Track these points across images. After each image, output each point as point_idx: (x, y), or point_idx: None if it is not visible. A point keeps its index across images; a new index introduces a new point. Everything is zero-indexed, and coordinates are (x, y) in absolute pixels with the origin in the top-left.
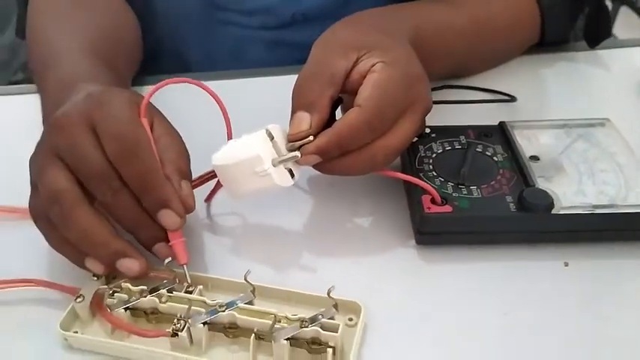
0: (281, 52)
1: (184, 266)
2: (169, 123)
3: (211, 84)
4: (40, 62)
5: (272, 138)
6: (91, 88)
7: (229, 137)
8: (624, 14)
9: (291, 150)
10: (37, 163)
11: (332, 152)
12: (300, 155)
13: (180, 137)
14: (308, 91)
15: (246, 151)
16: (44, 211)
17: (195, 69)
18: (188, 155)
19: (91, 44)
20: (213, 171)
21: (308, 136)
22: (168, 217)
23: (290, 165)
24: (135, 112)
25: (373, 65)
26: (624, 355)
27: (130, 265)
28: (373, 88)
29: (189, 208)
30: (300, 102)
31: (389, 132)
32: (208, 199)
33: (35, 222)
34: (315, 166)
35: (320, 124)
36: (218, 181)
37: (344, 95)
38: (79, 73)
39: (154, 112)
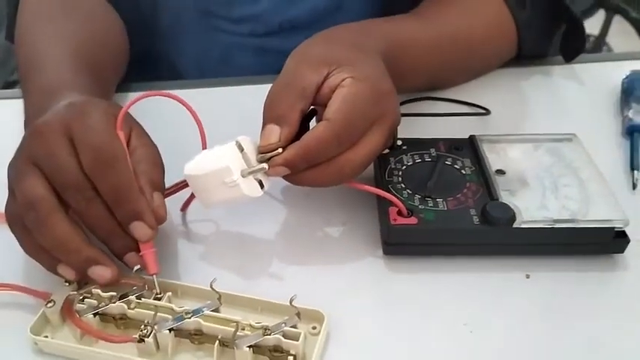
0: (269, 58)
1: (154, 276)
2: (146, 134)
3: (199, 92)
4: (25, 66)
5: (242, 150)
6: (73, 97)
7: (204, 147)
8: (618, 23)
9: (261, 161)
10: (15, 169)
11: (300, 165)
12: (267, 167)
13: (156, 148)
14: (279, 104)
15: (216, 162)
16: (20, 217)
17: (185, 74)
18: (162, 167)
19: (77, 50)
20: None
21: (277, 149)
22: (139, 229)
23: (259, 176)
24: (112, 124)
25: (343, 80)
26: None
27: (101, 272)
28: (341, 103)
29: (160, 220)
30: (270, 115)
31: (356, 145)
32: (183, 208)
33: (10, 227)
34: (285, 178)
35: (289, 137)
36: None
37: (318, 107)
38: (62, 80)
39: (132, 124)
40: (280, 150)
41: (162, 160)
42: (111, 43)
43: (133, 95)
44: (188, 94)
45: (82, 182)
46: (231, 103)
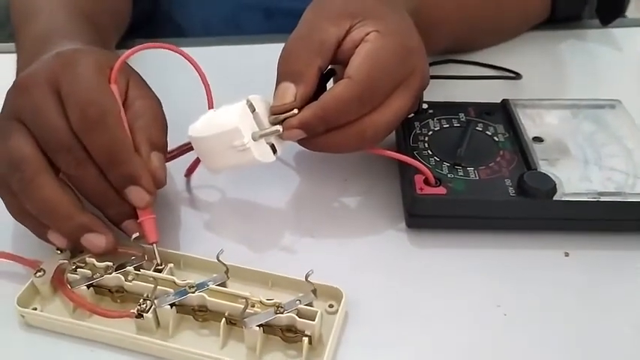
0: (279, 20)
1: (154, 245)
2: (146, 85)
3: (206, 50)
4: (19, 17)
5: (253, 110)
6: (65, 45)
7: (210, 107)
8: None
9: (273, 123)
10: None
11: (317, 127)
12: (282, 129)
13: (157, 101)
14: (295, 60)
15: (225, 123)
16: (5, 179)
17: (191, 35)
18: (164, 123)
19: (73, 1)
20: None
21: (292, 109)
22: (136, 194)
23: (272, 140)
24: (104, 76)
25: (367, 34)
26: (624, 349)
27: (95, 240)
28: (365, 59)
29: (158, 183)
30: (285, 71)
31: (380, 107)
32: (188, 173)
33: None
34: (300, 142)
35: (306, 97)
36: None
37: (336, 67)
38: (56, 29)
39: (129, 74)
40: (296, 111)
41: (164, 115)
42: None
43: None
44: (194, 53)
45: (71, 142)
46: (239, 63)
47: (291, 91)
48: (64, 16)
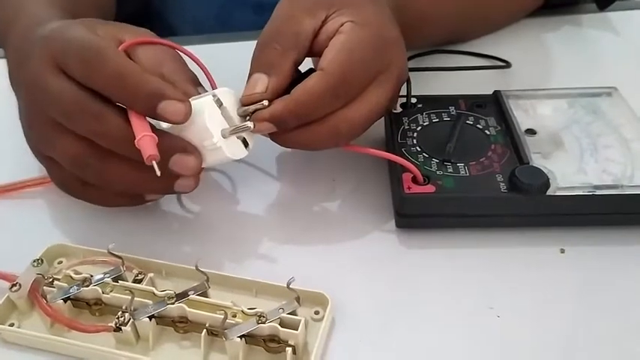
0: (268, 15)
1: (154, 162)
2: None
3: (196, 48)
4: (4, 22)
5: (220, 104)
6: (44, 28)
7: None
8: None
9: (243, 115)
10: (38, 137)
11: (289, 121)
12: (252, 126)
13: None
14: (268, 52)
15: (192, 122)
16: (76, 180)
17: (181, 33)
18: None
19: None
20: None
21: (262, 100)
22: (169, 108)
23: (243, 134)
24: (91, 30)
25: (342, 25)
26: (624, 350)
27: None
28: (339, 51)
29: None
30: (258, 62)
31: (355, 101)
32: None
33: (70, 193)
34: (272, 137)
35: (278, 89)
36: None
37: (314, 60)
38: (38, 23)
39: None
40: (266, 102)
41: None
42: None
43: None
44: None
45: (81, 98)
46: (226, 61)
47: (262, 82)
48: (46, 10)
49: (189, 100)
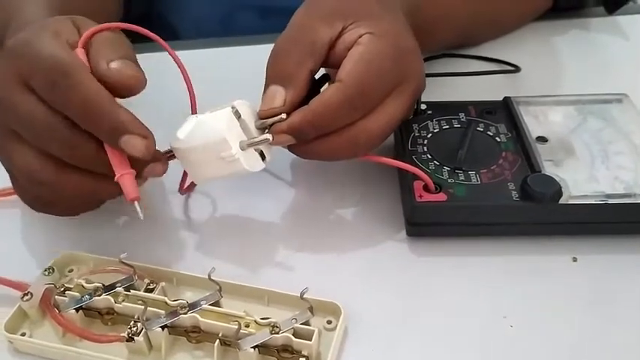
0: (274, 19)
1: (136, 203)
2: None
3: (199, 52)
4: (1, 27)
5: (239, 116)
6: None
7: (193, 111)
8: None
9: (261, 128)
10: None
11: (307, 133)
12: (271, 138)
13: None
14: (284, 62)
15: (211, 133)
16: (33, 195)
17: (185, 36)
18: (126, 43)
19: (58, 2)
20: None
21: (280, 114)
22: (131, 143)
23: (260, 147)
24: (60, 41)
25: (360, 36)
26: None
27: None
28: (357, 62)
29: (133, 89)
30: (274, 74)
31: (373, 112)
32: (184, 189)
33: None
34: (290, 149)
35: (295, 101)
36: None
37: (330, 71)
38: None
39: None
40: (284, 116)
41: (120, 34)
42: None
43: None
44: (187, 55)
45: (51, 121)
46: (231, 65)
47: (279, 95)
48: (45, 15)
49: (209, 113)
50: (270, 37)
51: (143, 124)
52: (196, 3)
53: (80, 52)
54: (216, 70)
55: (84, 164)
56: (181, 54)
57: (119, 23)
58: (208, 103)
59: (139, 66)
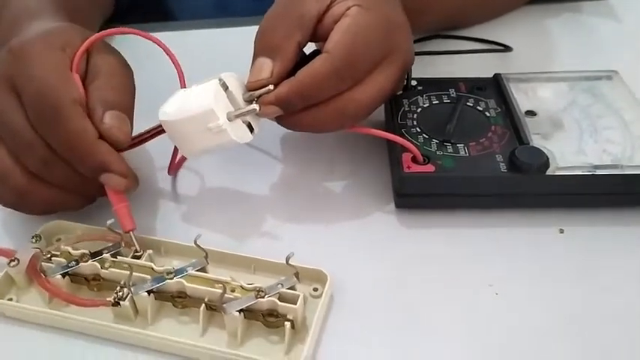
0: (268, 2)
1: (131, 233)
2: (109, 47)
3: (195, 33)
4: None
5: (226, 88)
6: (29, 29)
7: (182, 86)
8: None
9: (248, 100)
10: None
11: (294, 103)
12: (258, 108)
13: (118, 60)
14: (272, 35)
15: (198, 104)
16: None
17: (180, 19)
18: (124, 80)
19: None
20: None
21: (268, 85)
22: (110, 181)
23: (249, 118)
24: (61, 63)
25: (348, 9)
26: (624, 330)
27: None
28: (344, 33)
29: (117, 144)
30: (262, 46)
31: (361, 83)
32: (172, 171)
33: None
34: (278, 120)
35: (283, 72)
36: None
37: (319, 44)
38: (26, 9)
39: (94, 48)
40: (271, 87)
41: (125, 72)
42: None
43: None
44: (183, 36)
45: (33, 140)
46: (225, 47)
47: (267, 67)
48: (39, 3)
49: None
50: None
51: (125, 162)
52: None
53: (76, 77)
54: (210, 51)
55: (57, 182)
56: (175, 34)
57: (110, 30)
58: (196, 80)
59: (131, 118)
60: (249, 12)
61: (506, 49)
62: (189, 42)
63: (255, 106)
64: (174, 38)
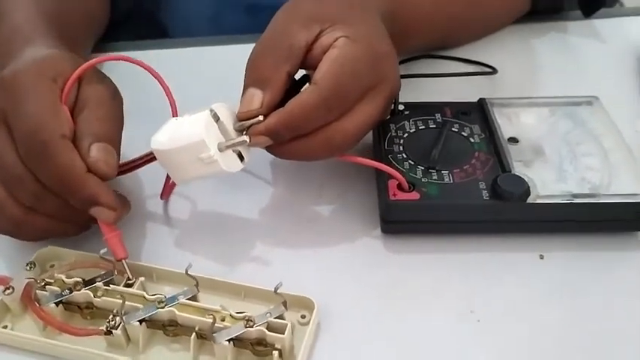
0: (262, 17)
1: (123, 262)
2: (100, 75)
3: (188, 51)
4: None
5: (217, 119)
6: (22, 55)
7: (174, 114)
8: None
9: (239, 130)
10: None
11: (283, 134)
12: (249, 140)
13: (108, 89)
14: (262, 65)
15: (189, 135)
16: None
17: (173, 35)
18: (111, 110)
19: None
20: None
21: (258, 116)
22: (100, 215)
23: (239, 148)
24: (51, 96)
25: (336, 40)
26: (601, 352)
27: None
28: (332, 65)
29: (103, 176)
30: (252, 77)
31: (348, 114)
32: (164, 196)
33: None
34: (268, 149)
35: (273, 103)
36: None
37: (311, 71)
38: (20, 30)
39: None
40: (261, 117)
41: (113, 102)
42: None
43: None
44: (172, 54)
45: (23, 175)
46: (218, 64)
47: (257, 98)
48: (29, 17)
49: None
50: (257, 36)
51: (114, 195)
52: (184, 1)
53: (65, 108)
54: (205, 69)
55: (50, 213)
56: (171, 52)
57: (101, 58)
58: (196, 100)
59: (118, 149)
60: (242, 26)
61: (492, 71)
62: (183, 59)
63: (245, 137)
64: (169, 56)
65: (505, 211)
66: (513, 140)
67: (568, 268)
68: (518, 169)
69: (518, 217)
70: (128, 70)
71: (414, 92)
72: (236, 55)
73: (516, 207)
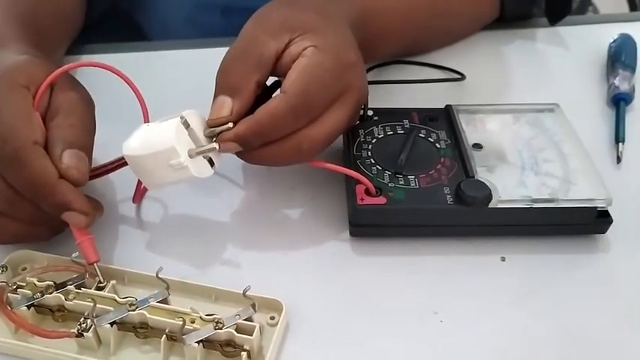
0: (236, 18)
1: (95, 265)
2: (73, 81)
3: (165, 54)
4: None
5: (188, 126)
6: None
7: (145, 120)
8: None
9: (209, 136)
10: None
11: (252, 141)
12: (218, 147)
13: (80, 96)
14: (232, 73)
15: (160, 142)
16: None
17: (149, 36)
18: (84, 117)
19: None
20: None
21: (227, 123)
22: (72, 219)
23: (209, 153)
24: (23, 103)
25: (304, 49)
26: (559, 352)
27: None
28: (300, 74)
29: (75, 182)
30: (222, 84)
31: (316, 121)
32: (136, 200)
33: None
34: (238, 155)
35: (242, 110)
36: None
37: (282, 79)
38: None
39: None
40: (231, 125)
41: (85, 108)
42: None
43: (85, 58)
44: (148, 57)
45: None
46: (193, 67)
47: (227, 105)
48: (2, 20)
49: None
50: (233, 39)
51: (86, 200)
52: (160, 2)
53: (37, 115)
54: (182, 71)
55: (24, 218)
56: (147, 55)
57: (73, 64)
58: (170, 104)
59: (90, 155)
60: (218, 27)
61: (460, 77)
62: (159, 62)
63: (215, 145)
64: (145, 59)
65: (468, 215)
66: (478, 146)
67: (529, 269)
68: (481, 174)
69: (481, 221)
70: (101, 74)
71: (384, 98)
72: (212, 59)
73: (478, 211)
